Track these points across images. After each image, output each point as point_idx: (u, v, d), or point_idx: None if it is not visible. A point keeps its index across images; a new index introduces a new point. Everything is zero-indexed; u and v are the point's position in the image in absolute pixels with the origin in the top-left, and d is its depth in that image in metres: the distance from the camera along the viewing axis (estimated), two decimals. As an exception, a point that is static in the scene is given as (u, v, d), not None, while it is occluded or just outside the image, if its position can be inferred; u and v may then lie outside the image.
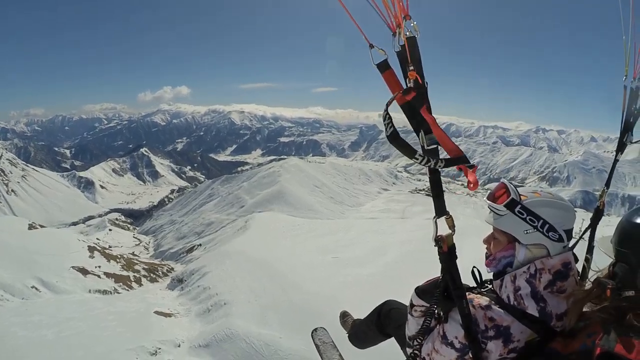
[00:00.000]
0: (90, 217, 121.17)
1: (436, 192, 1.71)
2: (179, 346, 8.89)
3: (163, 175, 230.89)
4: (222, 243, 29.38)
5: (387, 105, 1.46)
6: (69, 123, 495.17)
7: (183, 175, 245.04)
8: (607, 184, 2.90)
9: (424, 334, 2.13)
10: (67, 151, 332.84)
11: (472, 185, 1.51)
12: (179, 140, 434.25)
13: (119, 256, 31.86)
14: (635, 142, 2.68)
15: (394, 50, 1.52)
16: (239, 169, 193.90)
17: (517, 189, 2.06)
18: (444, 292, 1.99)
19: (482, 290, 2.20)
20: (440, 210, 1.74)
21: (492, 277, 2.23)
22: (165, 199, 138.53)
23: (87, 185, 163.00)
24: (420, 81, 1.49)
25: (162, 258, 51.59)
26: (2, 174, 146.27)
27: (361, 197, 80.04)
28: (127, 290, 25.07)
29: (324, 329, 4.58)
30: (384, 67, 1.55)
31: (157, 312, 10.93)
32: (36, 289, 20.55)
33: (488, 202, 2.13)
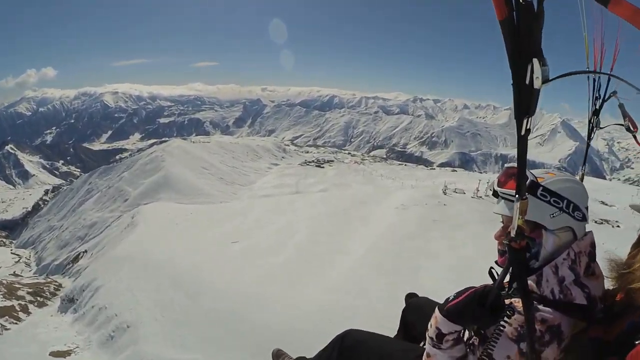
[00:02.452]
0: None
1: (522, 167, 1.32)
2: (88, 394, 7.49)
3: (34, 175, 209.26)
4: (110, 246, 26.83)
5: None
6: None
7: (56, 172, 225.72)
8: (584, 164, 2.79)
9: None
10: None
11: None
12: (48, 131, 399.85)
13: (-3, 283, 27.93)
14: (603, 127, 2.66)
15: None
16: (117, 157, 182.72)
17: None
18: (493, 305, 1.65)
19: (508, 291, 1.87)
20: (523, 189, 1.38)
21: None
22: (40, 202, 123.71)
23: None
24: None
25: (47, 273, 46.64)
26: None
27: (252, 175, 78.38)
28: (16, 323, 21.81)
29: None
30: None
31: (53, 354, 9.12)
32: None
33: (498, 190, 1.91)
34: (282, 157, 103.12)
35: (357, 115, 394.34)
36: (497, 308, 1.66)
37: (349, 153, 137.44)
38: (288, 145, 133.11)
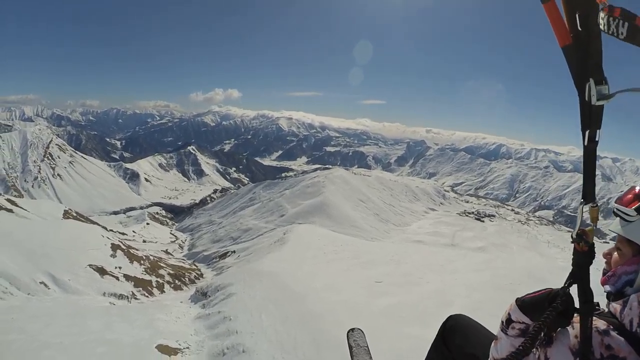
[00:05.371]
0: (132, 209, 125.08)
1: (589, 170, 1.48)
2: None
3: (208, 174, 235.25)
4: (255, 255, 27.36)
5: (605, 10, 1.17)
6: (122, 116, 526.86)
7: (227, 176, 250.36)
8: None
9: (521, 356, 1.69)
10: (118, 142, 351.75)
11: None
12: (227, 141, 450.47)
13: (144, 257, 30.17)
14: None
15: None
16: (283, 174, 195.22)
17: None
18: (561, 306, 1.62)
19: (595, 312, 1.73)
20: (590, 194, 1.51)
21: (606, 298, 1.84)
22: (208, 198, 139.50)
23: (132, 177, 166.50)
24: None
25: (194, 259, 50.47)
26: (50, 158, 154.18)
27: (407, 216, 76.77)
28: (147, 296, 23.25)
29: (361, 330, 3.97)
30: None
31: (159, 348, 8.52)
32: (45, 285, 19.04)
33: (616, 205, 1.78)
34: (441, 203, 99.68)
35: (525, 168, 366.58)
36: (564, 312, 1.62)
37: (512, 210, 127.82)
38: (448, 191, 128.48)
